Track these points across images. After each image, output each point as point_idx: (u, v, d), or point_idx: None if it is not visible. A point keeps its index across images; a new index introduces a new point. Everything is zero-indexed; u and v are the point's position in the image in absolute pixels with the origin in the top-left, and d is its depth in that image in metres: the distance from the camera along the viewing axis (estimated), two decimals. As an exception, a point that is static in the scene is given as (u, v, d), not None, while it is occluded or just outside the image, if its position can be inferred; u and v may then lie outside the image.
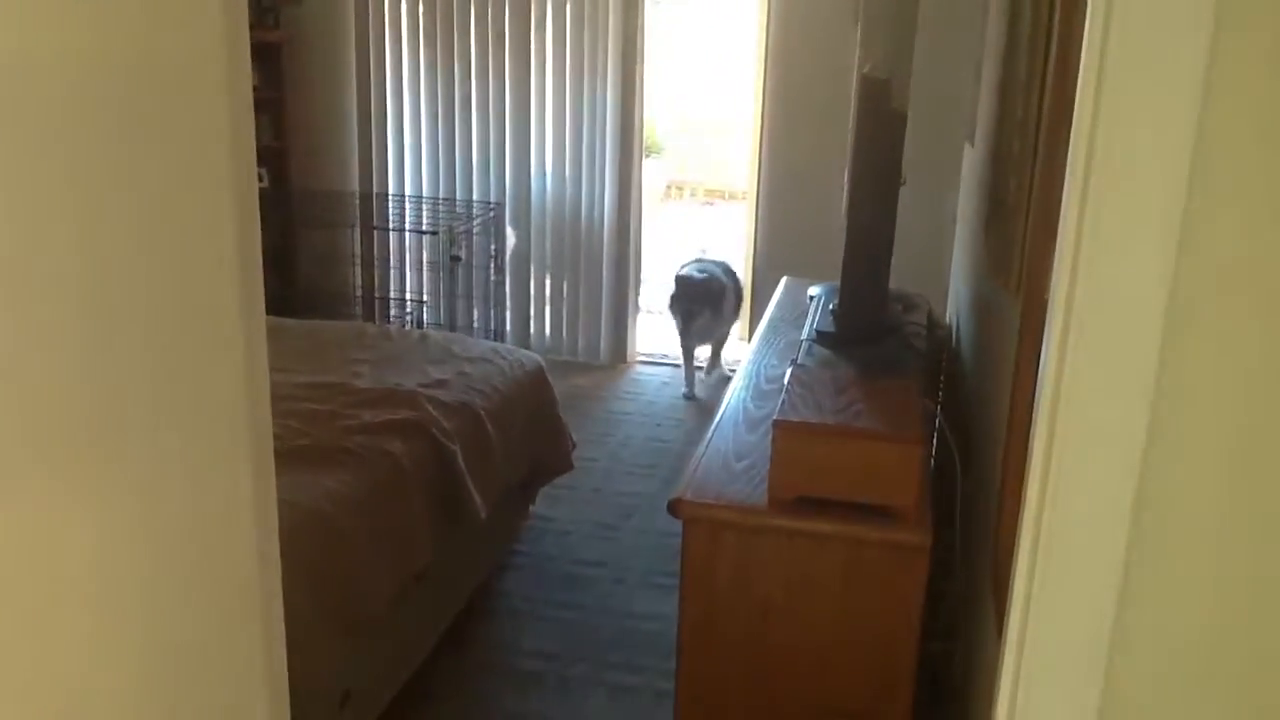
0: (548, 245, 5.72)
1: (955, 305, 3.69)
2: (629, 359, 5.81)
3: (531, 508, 3.83)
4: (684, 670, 2.13)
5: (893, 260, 2.58)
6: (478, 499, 3.05)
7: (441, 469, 2.97)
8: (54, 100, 0.92)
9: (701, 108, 10.62)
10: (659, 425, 5.01)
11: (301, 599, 2.22)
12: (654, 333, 5.98)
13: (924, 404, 2.21)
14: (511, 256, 5.70)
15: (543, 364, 3.79)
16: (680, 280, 5.19)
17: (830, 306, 2.72)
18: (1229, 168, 0.94)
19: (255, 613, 1.26)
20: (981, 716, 1.70)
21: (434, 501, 2.91)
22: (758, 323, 3.31)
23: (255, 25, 5.16)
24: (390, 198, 5.75)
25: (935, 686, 2.39)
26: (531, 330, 5.84)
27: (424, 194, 5.75)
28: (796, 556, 2.03)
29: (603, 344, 5.76)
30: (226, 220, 1.13)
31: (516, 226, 5.69)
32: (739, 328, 5.59)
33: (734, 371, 3.03)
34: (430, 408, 3.08)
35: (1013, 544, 1.11)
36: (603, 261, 5.64)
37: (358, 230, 5.74)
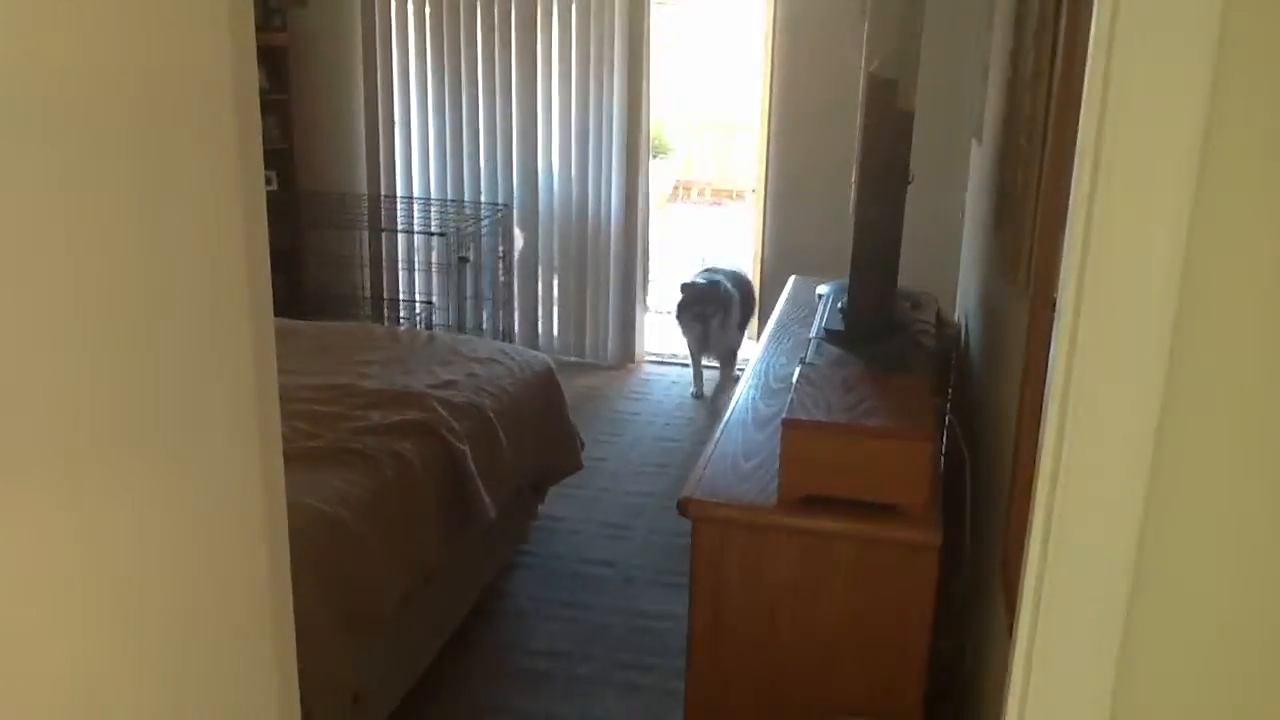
0: (555, 246, 5.73)
1: (964, 303, 3.69)
2: (637, 359, 5.81)
3: (540, 507, 3.84)
4: (694, 669, 2.13)
5: (901, 258, 2.57)
6: (487, 499, 3.06)
7: (451, 470, 2.97)
8: (60, 103, 0.93)
9: (709, 108, 10.62)
10: (667, 425, 5.01)
11: (312, 599, 2.23)
12: (662, 333, 5.98)
13: (933, 402, 2.21)
14: (519, 257, 5.71)
15: (551, 365, 3.79)
16: (685, 286, 5.15)
17: (839, 305, 2.72)
18: (1238, 162, 0.94)
19: (265, 614, 1.26)
20: (992, 713, 1.69)
21: (443, 502, 2.92)
22: (766, 321, 3.31)
23: (261, 28, 5.18)
24: (398, 199, 5.76)
25: (945, 684, 2.38)
26: (540, 331, 5.85)
27: (431, 196, 5.76)
28: (806, 555, 2.03)
29: (610, 344, 5.76)
30: (234, 223, 1.14)
31: (524, 227, 5.69)
32: (749, 327, 5.56)
33: (742, 371, 3.02)
34: (439, 408, 3.08)
35: (1023, 541, 1.11)
36: (610, 262, 5.64)
37: (366, 232, 5.75)
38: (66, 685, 1.02)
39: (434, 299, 5.71)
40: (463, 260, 5.38)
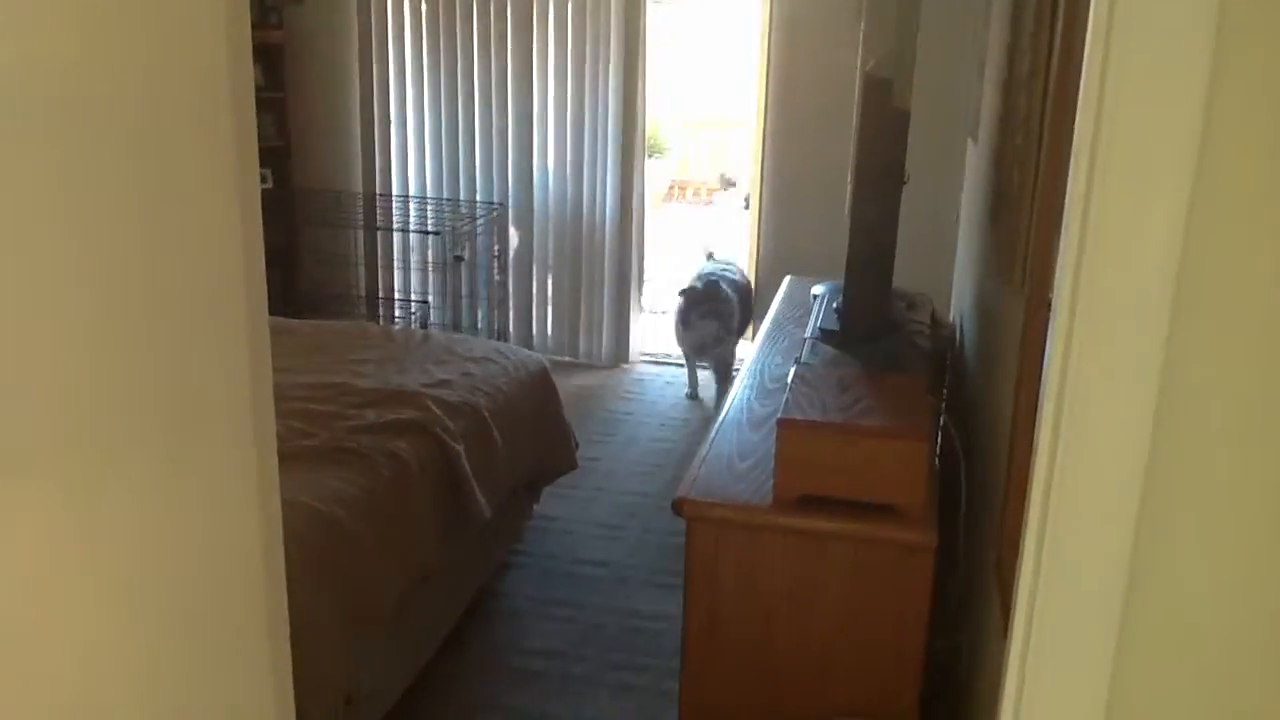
0: (550, 245, 5.72)
1: (959, 303, 3.69)
2: (631, 358, 5.81)
3: (535, 507, 3.83)
4: (689, 669, 2.13)
5: (896, 258, 2.57)
6: (482, 499, 3.05)
7: (446, 469, 2.97)
8: (58, 103, 0.92)
9: (705, 107, 10.63)
10: (662, 425, 5.01)
11: (307, 599, 2.22)
12: (656, 332, 5.97)
13: (929, 402, 2.21)
14: (514, 257, 5.70)
15: (546, 364, 3.79)
16: (685, 291, 4.99)
17: (834, 305, 2.72)
18: (1234, 160, 0.94)
19: (260, 613, 1.26)
20: (987, 713, 1.69)
21: (439, 501, 2.91)
22: (761, 322, 3.31)
23: (258, 25, 5.17)
24: (394, 198, 5.75)
25: (941, 683, 2.39)
26: (534, 330, 5.84)
27: (427, 194, 5.76)
28: (801, 556, 2.03)
29: (605, 344, 5.76)
30: (232, 221, 1.13)
31: (519, 227, 5.69)
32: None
33: (737, 371, 3.02)
34: (434, 408, 3.08)
35: (1018, 541, 1.11)
36: (605, 261, 5.64)
37: (361, 230, 5.74)
38: (66, 684, 1.01)
39: (429, 298, 5.71)
40: (458, 259, 5.38)
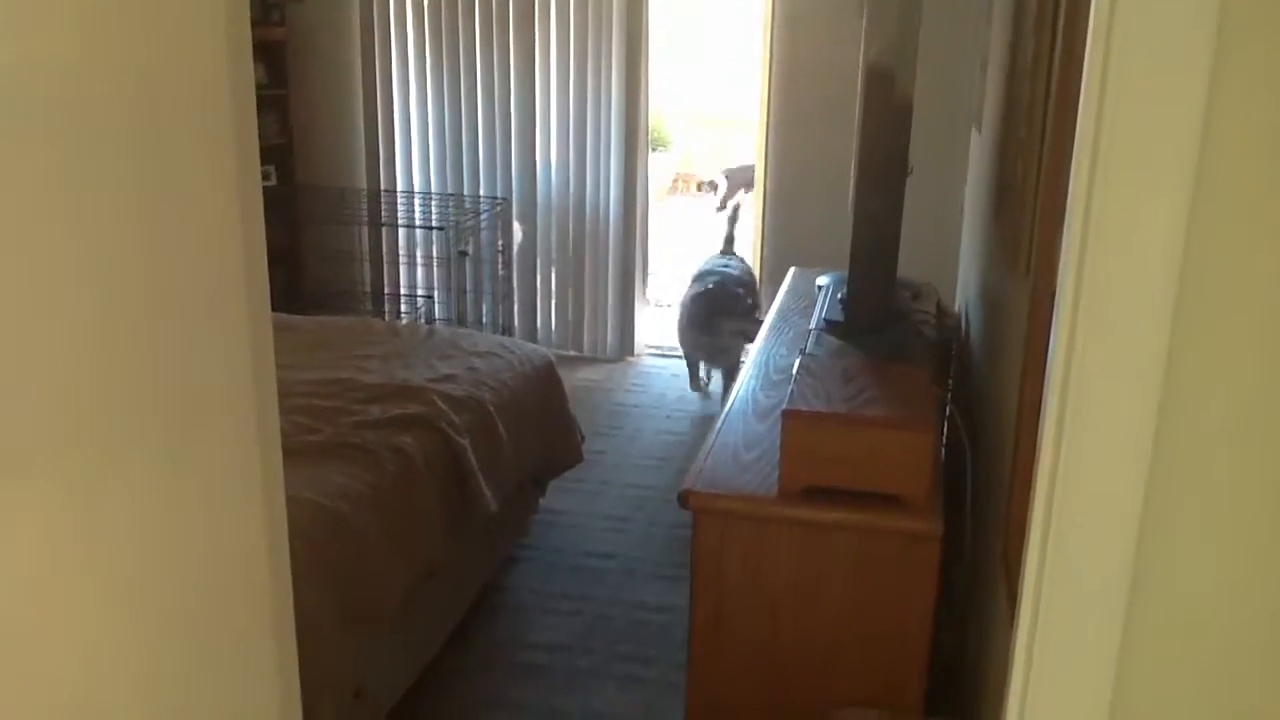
0: (554, 239, 5.72)
1: (964, 293, 3.68)
2: (636, 352, 5.81)
3: (541, 501, 3.84)
4: (695, 661, 2.13)
5: (900, 249, 2.57)
6: (488, 493, 3.06)
7: (451, 463, 2.97)
8: (58, 102, 0.92)
9: (709, 100, 10.61)
10: (668, 417, 5.01)
11: (313, 594, 2.23)
12: (661, 325, 5.97)
13: (934, 392, 2.20)
14: (518, 251, 5.70)
15: (551, 358, 3.79)
16: (700, 295, 4.79)
17: (839, 296, 2.71)
18: (1237, 151, 0.93)
19: (266, 609, 1.26)
20: (994, 703, 1.69)
21: (444, 496, 2.92)
22: (766, 313, 3.30)
23: (259, 22, 5.17)
24: (397, 194, 5.75)
25: (946, 674, 2.39)
26: (539, 324, 5.84)
27: (431, 190, 5.76)
28: (807, 547, 2.03)
29: (610, 337, 5.76)
30: (229, 220, 1.13)
31: (523, 221, 5.69)
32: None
33: (742, 363, 3.02)
34: (439, 402, 3.08)
35: (1024, 530, 1.11)
36: (609, 255, 5.63)
37: (365, 227, 5.74)
38: (66, 684, 1.01)
39: (434, 293, 5.71)
40: (462, 254, 5.38)
